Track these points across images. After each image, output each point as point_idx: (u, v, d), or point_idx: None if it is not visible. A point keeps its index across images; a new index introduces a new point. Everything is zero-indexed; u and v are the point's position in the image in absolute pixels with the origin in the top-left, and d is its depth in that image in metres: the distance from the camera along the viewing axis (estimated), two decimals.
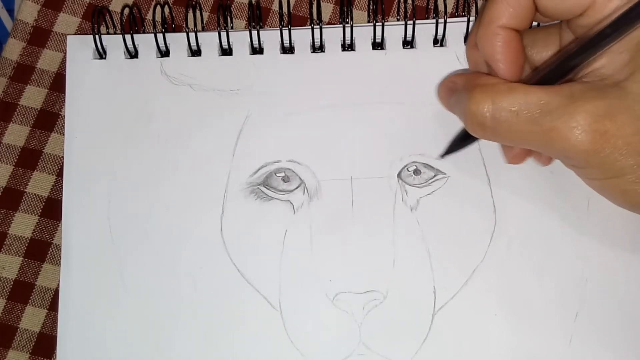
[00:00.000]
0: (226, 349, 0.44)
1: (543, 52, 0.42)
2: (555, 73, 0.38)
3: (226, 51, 0.47)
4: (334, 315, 0.43)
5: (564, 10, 0.38)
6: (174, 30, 0.49)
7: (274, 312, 0.44)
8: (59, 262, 0.45)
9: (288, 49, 0.47)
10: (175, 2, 0.50)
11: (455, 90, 0.42)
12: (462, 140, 0.44)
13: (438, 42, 0.47)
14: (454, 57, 0.46)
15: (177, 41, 0.47)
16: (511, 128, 0.37)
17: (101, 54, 0.47)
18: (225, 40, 0.47)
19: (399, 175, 0.45)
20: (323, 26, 0.46)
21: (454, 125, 0.44)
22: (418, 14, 0.47)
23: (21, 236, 0.47)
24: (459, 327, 0.44)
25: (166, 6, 0.49)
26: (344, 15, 0.47)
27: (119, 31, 0.49)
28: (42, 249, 0.47)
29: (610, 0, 0.36)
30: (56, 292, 0.45)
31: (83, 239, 0.45)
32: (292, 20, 0.47)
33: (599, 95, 0.36)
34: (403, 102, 0.46)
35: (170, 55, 0.47)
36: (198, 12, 0.48)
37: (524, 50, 0.40)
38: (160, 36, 0.47)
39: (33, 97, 0.48)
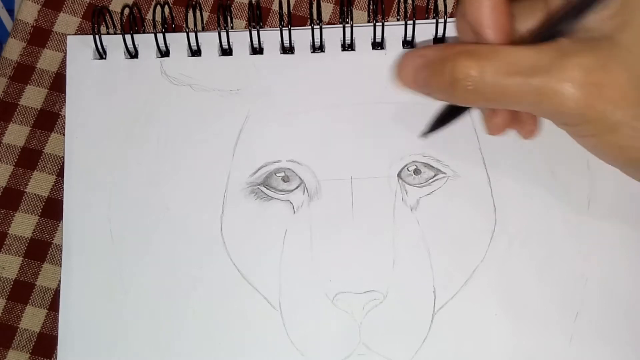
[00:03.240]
0: (226, 349, 0.44)
1: (529, 21, 0.40)
2: (544, 34, 0.37)
3: (226, 51, 0.47)
4: (334, 315, 0.43)
5: None
6: (174, 30, 0.49)
7: (274, 311, 0.44)
8: (59, 262, 0.45)
9: (288, 49, 0.47)
10: (175, 2, 0.50)
11: (428, 64, 0.39)
12: (444, 118, 0.43)
13: (438, 42, 0.47)
14: None
15: (177, 41, 0.47)
16: (501, 90, 0.36)
17: (101, 54, 0.47)
18: (226, 40, 0.47)
19: (399, 175, 0.45)
20: (323, 26, 0.46)
21: (454, 125, 0.43)
22: (418, 14, 0.47)
23: (21, 236, 0.47)
24: (459, 327, 0.44)
25: (166, 6, 0.49)
26: (344, 15, 0.47)
27: (119, 31, 0.49)
28: (42, 249, 0.47)
29: None
30: (56, 292, 0.45)
31: (83, 239, 0.45)
32: (292, 20, 0.47)
33: (589, 48, 0.35)
34: (403, 101, 0.46)
35: (170, 55, 0.47)
36: (198, 12, 0.48)
37: (511, 15, 0.39)
38: (160, 36, 0.47)
39: (33, 97, 0.48)
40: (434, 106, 0.45)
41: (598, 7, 0.35)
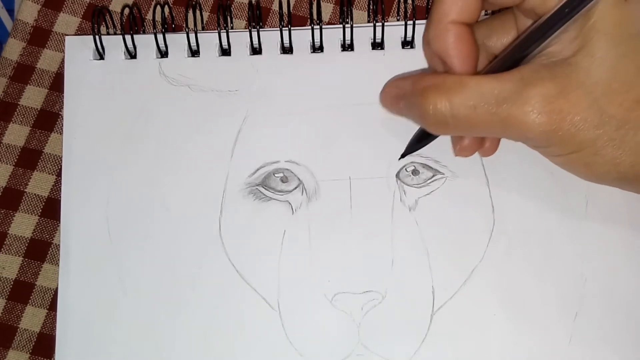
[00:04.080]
0: (225, 349, 0.44)
1: (502, 39, 0.42)
2: (510, 61, 0.39)
3: (226, 51, 0.47)
4: (332, 315, 0.43)
5: None
6: (174, 30, 0.49)
7: (273, 312, 0.44)
8: (59, 262, 0.45)
9: (287, 49, 0.47)
10: (175, 2, 0.50)
11: (403, 95, 0.42)
12: (420, 139, 0.44)
13: None
14: None
15: (176, 41, 0.47)
16: (471, 122, 0.38)
17: (100, 54, 0.47)
18: (225, 40, 0.47)
19: (397, 175, 0.45)
20: (323, 26, 0.46)
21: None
22: (418, 14, 0.47)
23: (21, 236, 0.47)
24: (458, 327, 0.44)
25: (166, 6, 0.49)
26: (343, 15, 0.47)
27: (118, 31, 0.49)
28: (42, 249, 0.47)
29: None
30: (56, 292, 0.45)
31: (82, 239, 0.45)
32: (292, 20, 0.47)
33: (550, 76, 0.36)
34: None
35: (169, 55, 0.47)
36: (198, 12, 0.48)
37: (476, 44, 0.40)
38: (160, 36, 0.47)
39: (33, 97, 0.48)
40: None
41: (559, 31, 0.37)
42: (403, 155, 0.45)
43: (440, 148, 0.45)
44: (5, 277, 0.46)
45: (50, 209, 0.47)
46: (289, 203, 0.45)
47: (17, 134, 0.48)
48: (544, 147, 0.38)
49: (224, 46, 0.47)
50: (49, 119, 0.48)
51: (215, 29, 0.47)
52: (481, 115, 0.37)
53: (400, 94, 0.42)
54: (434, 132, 0.40)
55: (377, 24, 0.46)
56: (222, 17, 0.47)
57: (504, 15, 0.43)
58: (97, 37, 0.47)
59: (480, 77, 0.38)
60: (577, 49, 0.36)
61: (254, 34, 0.47)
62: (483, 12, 0.45)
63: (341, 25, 0.46)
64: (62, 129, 0.47)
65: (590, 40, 0.36)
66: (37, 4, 0.50)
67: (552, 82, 0.36)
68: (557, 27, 0.36)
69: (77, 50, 0.48)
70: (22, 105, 0.48)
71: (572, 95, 0.36)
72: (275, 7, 0.50)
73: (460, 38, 0.39)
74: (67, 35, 0.49)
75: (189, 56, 0.47)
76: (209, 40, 0.47)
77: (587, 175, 0.39)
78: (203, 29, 0.49)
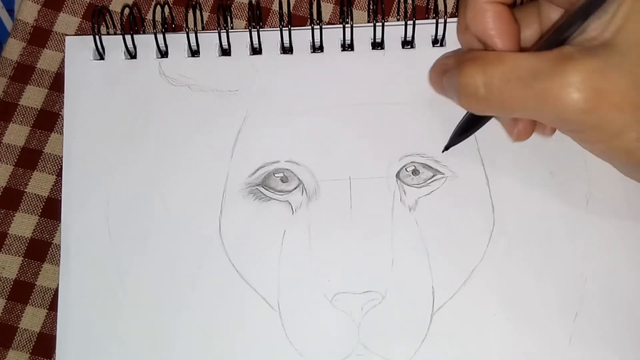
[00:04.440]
0: (225, 349, 0.44)
1: (525, 32, 0.42)
2: (550, 43, 0.38)
3: (226, 51, 0.47)
4: (332, 315, 0.43)
5: None
6: (174, 30, 0.49)
7: (273, 312, 0.44)
8: (59, 262, 0.45)
9: (287, 49, 0.47)
10: (175, 2, 0.50)
11: (447, 71, 0.41)
12: (463, 131, 0.44)
13: (437, 42, 0.47)
14: None
15: (176, 41, 0.47)
16: (504, 95, 0.37)
17: (100, 54, 0.47)
18: (225, 40, 0.47)
19: (397, 175, 0.45)
20: (323, 26, 0.46)
21: (453, 125, 0.44)
22: (418, 14, 0.47)
23: (21, 236, 0.47)
24: (457, 327, 0.44)
25: (166, 6, 0.49)
26: (344, 15, 0.47)
27: (119, 31, 0.49)
28: (42, 249, 0.47)
29: None
30: (56, 292, 0.45)
31: (82, 239, 0.45)
32: (292, 20, 0.47)
33: (589, 55, 0.35)
34: (402, 102, 0.46)
35: (169, 55, 0.47)
36: (198, 12, 0.48)
37: (516, 21, 0.40)
38: (160, 36, 0.47)
39: (33, 97, 0.48)
40: (433, 107, 0.45)
41: (597, 14, 0.36)
42: (447, 148, 0.45)
43: (440, 148, 0.45)
44: (5, 277, 0.46)
45: (50, 209, 0.47)
46: (289, 203, 0.45)
47: (17, 134, 0.48)
48: (580, 131, 0.37)
49: (224, 46, 0.47)
50: (49, 119, 0.48)
51: (215, 29, 0.47)
52: (515, 89, 0.36)
53: (445, 70, 0.42)
54: (467, 105, 0.39)
55: (377, 24, 0.46)
56: (222, 17, 0.47)
57: (527, 7, 0.43)
58: (97, 37, 0.47)
59: (519, 53, 0.38)
60: (614, 31, 0.35)
61: (254, 34, 0.47)
62: None
63: (341, 25, 0.46)
64: (62, 129, 0.47)
65: (628, 22, 0.35)
66: (37, 4, 0.50)
67: (591, 60, 0.35)
68: (594, 9, 0.36)
69: (77, 50, 0.48)
70: (22, 105, 0.48)
71: (611, 75, 0.34)
72: (275, 7, 0.50)
73: (500, 16, 0.39)
74: (67, 35, 0.49)
75: (189, 56, 0.47)
76: (209, 40, 0.47)
77: (629, 163, 0.37)
78: (203, 29, 0.49)
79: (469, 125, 0.43)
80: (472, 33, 0.41)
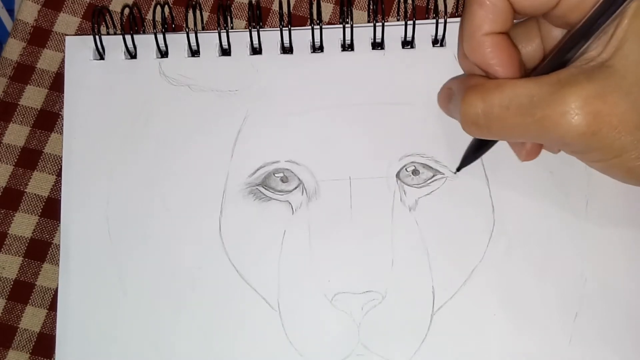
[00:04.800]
0: (225, 349, 0.44)
1: (526, 47, 0.42)
2: (552, 65, 0.38)
3: (226, 51, 0.47)
4: (332, 315, 0.43)
5: (539, 5, 0.39)
6: (174, 30, 0.49)
7: (273, 312, 0.44)
8: (59, 262, 0.45)
9: (287, 49, 0.47)
10: (175, 2, 0.50)
11: (452, 96, 0.42)
12: (475, 151, 0.44)
13: (437, 42, 0.47)
14: (452, 57, 0.46)
15: (176, 41, 0.47)
16: (504, 123, 0.37)
17: (100, 54, 0.47)
18: (225, 40, 0.47)
19: (397, 175, 0.45)
20: (323, 26, 0.46)
21: (453, 125, 0.43)
22: (418, 14, 0.47)
23: (21, 236, 0.47)
24: (457, 327, 0.44)
25: (166, 6, 0.49)
26: (344, 15, 0.47)
27: (119, 31, 0.49)
28: (42, 249, 0.47)
29: None
30: (56, 292, 0.45)
31: (82, 239, 0.45)
32: (292, 20, 0.47)
33: (587, 78, 0.35)
34: (402, 102, 0.46)
35: (169, 55, 0.47)
36: (198, 12, 0.48)
37: (516, 47, 0.40)
38: (160, 36, 0.47)
39: (33, 97, 0.48)
40: (433, 107, 0.45)
41: (594, 36, 0.36)
42: (459, 169, 0.45)
43: (440, 148, 0.45)
44: (5, 277, 0.46)
45: (50, 209, 0.47)
46: (289, 203, 0.45)
47: (17, 134, 0.48)
48: (583, 152, 0.38)
49: (224, 46, 0.47)
50: (49, 119, 0.48)
51: (215, 29, 0.47)
52: (515, 116, 0.37)
53: (450, 94, 0.42)
54: (468, 132, 0.40)
55: (377, 24, 0.46)
56: (222, 17, 0.47)
57: (527, 23, 0.43)
58: (97, 37, 0.47)
59: (517, 79, 0.38)
60: (612, 52, 0.36)
61: (254, 34, 0.47)
62: None
63: (341, 25, 0.46)
64: (62, 129, 0.47)
65: (625, 43, 0.35)
66: (37, 4, 0.50)
67: (589, 84, 0.35)
68: (592, 33, 0.36)
69: (77, 50, 0.48)
70: (22, 105, 0.48)
71: (609, 97, 0.35)
72: (275, 7, 0.50)
73: (498, 47, 0.39)
74: (67, 35, 0.49)
75: (189, 56, 0.47)
76: (209, 40, 0.47)
77: (629, 180, 0.38)
78: (203, 29, 0.49)
79: (479, 146, 0.43)
80: (472, 62, 0.41)
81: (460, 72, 0.44)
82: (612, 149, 0.36)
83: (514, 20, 0.41)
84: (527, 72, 0.41)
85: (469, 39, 0.40)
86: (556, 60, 0.38)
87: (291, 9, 0.48)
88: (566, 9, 0.38)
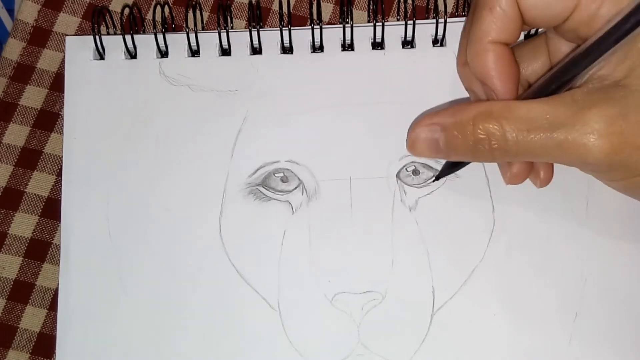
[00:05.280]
0: (225, 349, 0.44)
1: (532, 64, 0.42)
2: (553, 85, 0.38)
3: (226, 51, 0.47)
4: (332, 315, 0.43)
5: (550, 17, 0.38)
6: (174, 30, 0.49)
7: (273, 312, 0.44)
8: (59, 262, 0.45)
9: (287, 49, 0.47)
10: (175, 2, 0.50)
11: (443, 131, 0.40)
12: (454, 165, 0.44)
13: (437, 42, 0.47)
14: (452, 57, 0.46)
15: (176, 41, 0.47)
16: (526, 147, 0.36)
17: (100, 54, 0.47)
18: (225, 40, 0.47)
19: (397, 175, 0.45)
20: (323, 26, 0.46)
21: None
22: (418, 14, 0.47)
23: (21, 236, 0.47)
24: (458, 327, 0.44)
25: (166, 6, 0.49)
26: (344, 15, 0.47)
27: (118, 31, 0.49)
28: (42, 249, 0.47)
29: (593, 1, 0.36)
30: (56, 292, 0.45)
31: (82, 239, 0.45)
32: (292, 20, 0.47)
33: (605, 98, 0.35)
34: (402, 102, 0.46)
35: (169, 55, 0.47)
36: (198, 12, 0.48)
37: (517, 65, 0.40)
38: (160, 36, 0.47)
39: (33, 97, 0.48)
40: (433, 107, 0.45)
41: (608, 53, 0.35)
42: (437, 178, 0.45)
43: None
44: (5, 277, 0.46)
45: (50, 209, 0.47)
46: (289, 203, 0.45)
47: (17, 134, 0.48)
48: (603, 171, 0.37)
49: (224, 46, 0.47)
50: (49, 119, 0.48)
51: (215, 29, 0.47)
52: (535, 140, 0.36)
53: (439, 131, 0.40)
54: (487, 160, 0.39)
55: (377, 24, 0.46)
56: (222, 17, 0.47)
57: (535, 40, 0.42)
58: (97, 37, 0.47)
59: (528, 101, 0.37)
60: (628, 71, 0.35)
61: (254, 34, 0.47)
62: None
63: (341, 25, 0.46)
64: (62, 129, 0.47)
65: (638, 61, 0.35)
66: (37, 4, 0.50)
67: (608, 104, 0.35)
68: (605, 50, 0.35)
69: (77, 50, 0.48)
70: (22, 105, 0.48)
71: (631, 117, 0.34)
72: (275, 7, 0.50)
73: (501, 58, 0.39)
74: (67, 35, 0.49)
75: (189, 56, 0.47)
76: (209, 40, 0.47)
77: None
78: (203, 29, 0.49)
79: (456, 163, 0.43)
80: (471, 71, 0.40)
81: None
82: (634, 167, 0.36)
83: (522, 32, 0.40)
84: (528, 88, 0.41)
85: (474, 43, 0.39)
86: (562, 77, 0.37)
87: (291, 9, 0.48)
88: (577, 23, 0.37)
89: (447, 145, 0.40)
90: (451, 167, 0.44)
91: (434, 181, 0.45)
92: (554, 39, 0.41)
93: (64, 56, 0.48)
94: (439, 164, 0.45)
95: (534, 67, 0.42)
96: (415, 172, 0.45)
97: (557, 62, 0.41)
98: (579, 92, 0.36)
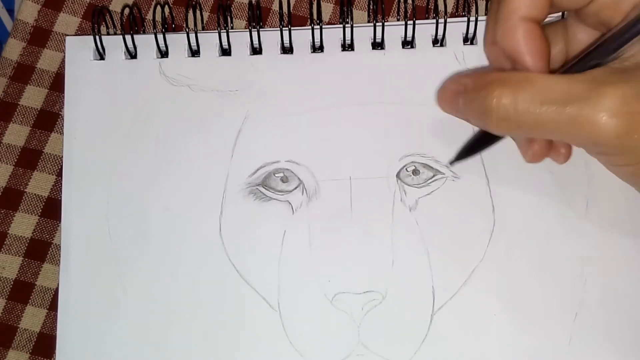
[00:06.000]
0: (225, 349, 0.44)
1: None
2: (581, 66, 0.37)
3: (226, 51, 0.47)
4: (332, 315, 0.43)
5: None
6: (174, 30, 0.49)
7: (273, 312, 0.44)
8: (59, 262, 0.45)
9: (287, 49, 0.47)
10: (175, 2, 0.50)
11: (464, 91, 0.40)
12: (474, 147, 0.44)
13: (437, 42, 0.47)
14: (453, 57, 0.46)
15: (176, 41, 0.47)
16: (536, 119, 0.36)
17: (100, 54, 0.47)
18: (225, 40, 0.47)
19: (397, 175, 0.45)
20: (323, 26, 0.46)
21: (453, 125, 0.43)
22: (418, 14, 0.47)
23: (21, 236, 0.47)
24: (458, 327, 0.44)
25: (166, 6, 0.49)
26: (344, 15, 0.47)
27: (119, 31, 0.49)
28: (42, 249, 0.47)
29: None
30: (56, 292, 0.45)
31: (82, 239, 0.45)
32: (292, 20, 0.47)
33: (624, 78, 0.35)
34: (402, 102, 0.46)
35: (170, 55, 0.47)
36: (198, 12, 0.48)
37: (548, 41, 0.39)
38: (160, 36, 0.47)
39: (33, 97, 0.48)
40: (433, 107, 0.45)
41: (632, 42, 0.35)
42: (453, 162, 0.44)
43: (441, 148, 0.45)
44: (5, 277, 0.46)
45: (50, 209, 0.47)
46: (289, 203, 0.45)
47: (17, 134, 0.48)
48: (611, 154, 0.37)
49: (224, 46, 0.47)
50: (49, 119, 0.48)
51: (215, 29, 0.47)
52: (547, 113, 0.35)
53: (461, 90, 0.40)
54: (495, 129, 0.39)
55: (377, 24, 0.46)
56: (222, 17, 0.47)
57: (553, 26, 0.42)
58: (97, 37, 0.47)
59: (549, 75, 0.37)
60: None
61: (254, 34, 0.47)
62: None
63: (341, 25, 0.46)
64: (62, 129, 0.47)
65: None
66: (37, 4, 0.50)
67: (627, 84, 0.34)
68: (631, 37, 0.35)
69: (77, 50, 0.48)
70: (22, 105, 0.48)
71: None
72: (275, 7, 0.50)
73: (532, 34, 0.38)
74: (67, 35, 0.49)
75: (189, 56, 0.47)
76: (209, 40, 0.47)
77: None
78: (203, 29, 0.49)
79: (481, 142, 0.43)
80: (501, 48, 0.39)
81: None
82: None
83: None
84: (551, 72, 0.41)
85: (504, 20, 0.39)
86: (588, 60, 0.37)
87: (291, 9, 0.48)
88: (601, 6, 0.37)
89: (464, 105, 0.40)
90: (466, 153, 0.44)
91: (451, 163, 0.45)
92: (572, 26, 0.41)
93: (64, 56, 0.48)
94: (439, 164, 0.45)
95: (551, 52, 0.41)
96: (415, 172, 0.45)
97: (572, 49, 0.41)
98: (600, 71, 0.36)
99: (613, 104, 0.34)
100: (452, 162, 0.45)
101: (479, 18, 0.46)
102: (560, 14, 0.44)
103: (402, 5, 0.48)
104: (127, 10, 0.49)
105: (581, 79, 0.36)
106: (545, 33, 0.40)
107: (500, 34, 0.39)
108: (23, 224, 0.47)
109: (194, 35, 0.47)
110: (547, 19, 0.40)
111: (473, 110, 0.39)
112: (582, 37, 0.41)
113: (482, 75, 0.39)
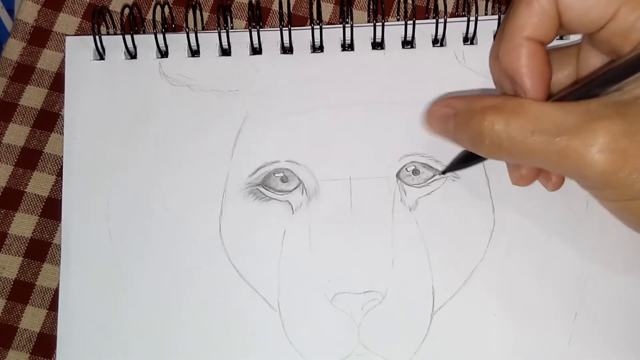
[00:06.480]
0: (225, 349, 0.44)
1: (558, 73, 0.41)
2: (579, 95, 0.37)
3: (226, 51, 0.47)
4: (332, 315, 0.43)
5: (587, 22, 0.37)
6: (174, 30, 0.49)
7: (273, 312, 0.44)
8: (59, 262, 0.45)
9: (287, 49, 0.47)
10: (175, 2, 0.50)
11: (455, 115, 0.40)
12: (465, 161, 0.43)
13: (437, 42, 0.47)
14: (453, 57, 0.46)
15: (176, 41, 0.47)
16: (526, 148, 0.36)
17: (100, 54, 0.47)
18: (225, 40, 0.47)
19: (397, 175, 0.45)
20: (323, 26, 0.46)
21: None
22: (418, 14, 0.47)
23: (21, 236, 0.47)
24: (458, 327, 0.44)
25: (166, 6, 0.49)
26: (344, 15, 0.47)
27: (118, 31, 0.49)
28: (42, 249, 0.47)
29: (632, 12, 0.35)
30: (56, 292, 0.45)
31: (82, 239, 0.45)
32: (292, 20, 0.47)
33: (617, 113, 0.34)
34: (402, 102, 0.46)
35: (170, 55, 0.47)
36: (198, 12, 0.48)
37: (550, 66, 0.39)
38: (160, 36, 0.47)
39: (33, 97, 0.48)
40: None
41: (636, 75, 0.35)
42: (443, 172, 0.45)
43: (441, 148, 0.45)
44: (5, 277, 0.46)
45: (50, 209, 0.47)
46: (289, 203, 0.45)
47: (17, 134, 0.48)
48: (599, 189, 0.36)
49: (224, 46, 0.47)
50: (49, 119, 0.48)
51: (215, 29, 0.47)
52: (538, 142, 0.35)
53: (451, 114, 0.40)
54: (486, 155, 0.38)
55: (377, 24, 0.46)
56: (222, 17, 0.47)
57: (566, 49, 0.41)
58: (97, 37, 0.47)
59: (543, 103, 0.37)
60: None
61: (254, 34, 0.47)
62: None
63: (341, 25, 0.46)
64: (62, 129, 0.47)
65: None
66: (37, 4, 0.50)
67: (619, 119, 0.34)
68: (631, 73, 0.35)
69: (77, 50, 0.48)
70: (22, 105, 0.48)
71: (638, 138, 0.33)
72: (275, 7, 0.50)
73: (534, 56, 0.38)
74: (67, 35, 0.49)
75: (189, 56, 0.47)
76: (209, 40, 0.47)
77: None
78: (203, 29, 0.49)
79: (473, 157, 0.42)
80: (502, 65, 0.39)
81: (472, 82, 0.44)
82: (631, 191, 0.34)
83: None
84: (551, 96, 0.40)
85: (508, 38, 0.38)
86: (588, 90, 0.36)
87: (291, 9, 0.48)
88: (613, 33, 0.36)
89: (455, 129, 0.40)
90: (458, 164, 0.44)
91: (441, 173, 0.45)
92: (585, 50, 0.40)
93: (64, 56, 0.48)
94: (439, 164, 0.45)
95: (558, 76, 0.41)
96: (415, 172, 0.45)
97: (583, 74, 0.40)
98: (595, 103, 0.35)
99: (602, 140, 0.33)
100: (443, 172, 0.45)
101: (479, 18, 0.46)
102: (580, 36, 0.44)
103: (402, 5, 0.48)
104: (127, 10, 0.49)
105: (575, 109, 0.35)
106: (552, 56, 0.39)
107: (503, 51, 0.39)
108: (23, 224, 0.47)
109: (194, 35, 0.47)
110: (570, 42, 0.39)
111: (465, 134, 0.39)
112: (595, 62, 0.40)
113: (475, 100, 0.39)
